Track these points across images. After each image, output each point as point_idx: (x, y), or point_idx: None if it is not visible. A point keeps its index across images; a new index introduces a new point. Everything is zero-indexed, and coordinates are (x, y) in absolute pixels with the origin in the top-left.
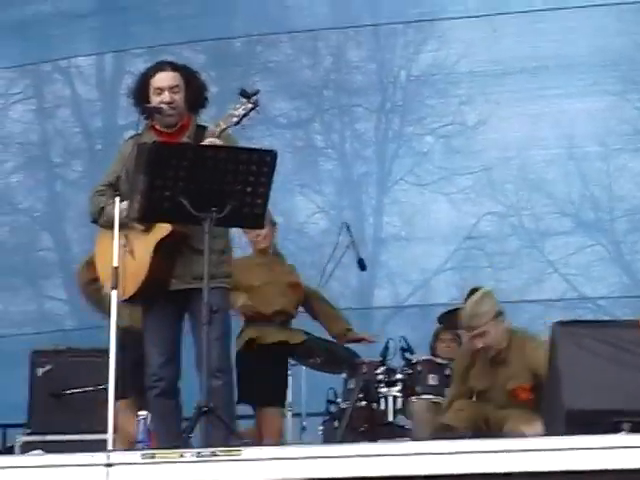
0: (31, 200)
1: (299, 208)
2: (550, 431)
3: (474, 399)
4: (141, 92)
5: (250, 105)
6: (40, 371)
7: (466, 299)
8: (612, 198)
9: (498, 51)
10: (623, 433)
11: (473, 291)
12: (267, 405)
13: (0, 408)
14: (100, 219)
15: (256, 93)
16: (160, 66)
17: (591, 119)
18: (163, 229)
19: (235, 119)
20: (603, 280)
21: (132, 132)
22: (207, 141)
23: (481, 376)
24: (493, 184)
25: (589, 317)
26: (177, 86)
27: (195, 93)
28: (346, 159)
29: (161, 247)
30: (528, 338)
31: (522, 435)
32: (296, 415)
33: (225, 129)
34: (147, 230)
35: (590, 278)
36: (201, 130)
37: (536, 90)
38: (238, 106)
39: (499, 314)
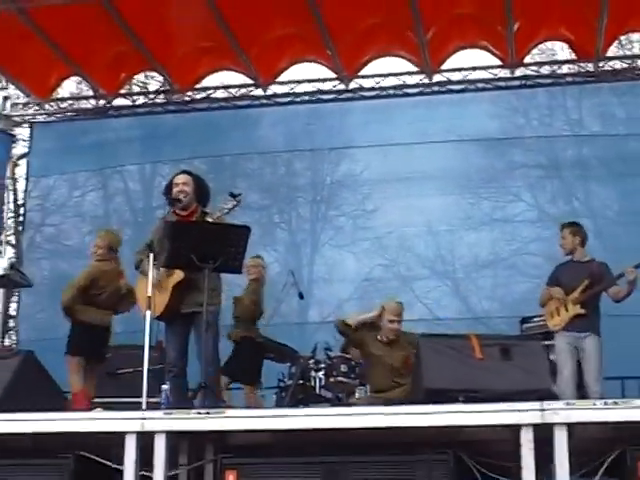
0: None
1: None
2: (416, 401)
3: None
4: (169, 188)
5: (235, 202)
6: None
7: (393, 302)
8: (454, 257)
9: (386, 166)
10: (460, 402)
11: (392, 298)
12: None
13: None
14: (140, 267)
15: (239, 195)
16: (178, 172)
17: (442, 209)
18: (178, 276)
19: (225, 211)
20: (448, 308)
21: (162, 212)
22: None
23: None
24: (382, 247)
25: (440, 331)
26: (186, 183)
27: (200, 189)
28: (292, 230)
29: (177, 286)
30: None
31: None
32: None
33: (219, 217)
34: (169, 275)
35: (441, 306)
36: (204, 215)
37: (409, 191)
38: (228, 202)
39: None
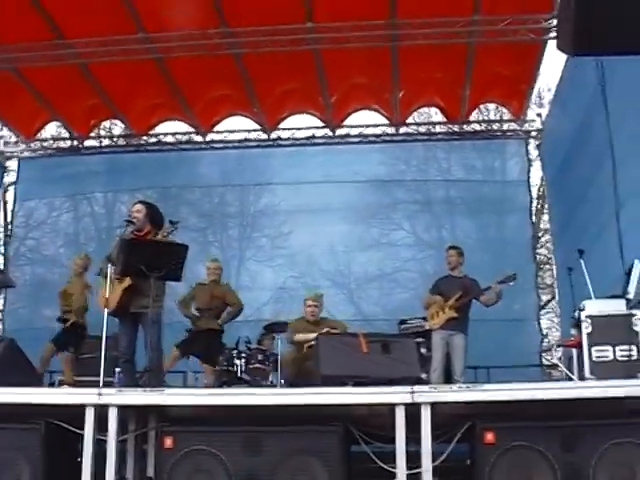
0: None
1: (200, 272)
2: (315, 385)
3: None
4: (127, 215)
5: (173, 228)
6: None
7: (314, 293)
8: (350, 272)
9: (299, 200)
10: (349, 386)
11: (314, 290)
12: None
13: None
14: (101, 274)
15: (177, 222)
16: (136, 202)
17: (341, 235)
18: (127, 282)
19: (166, 233)
20: (344, 311)
21: (121, 231)
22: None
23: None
24: (294, 262)
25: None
26: (139, 210)
27: (153, 214)
28: (223, 248)
29: (125, 291)
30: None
31: None
32: (196, 372)
33: (164, 236)
34: (121, 281)
35: (339, 310)
36: (155, 235)
37: (316, 220)
38: (168, 227)
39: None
